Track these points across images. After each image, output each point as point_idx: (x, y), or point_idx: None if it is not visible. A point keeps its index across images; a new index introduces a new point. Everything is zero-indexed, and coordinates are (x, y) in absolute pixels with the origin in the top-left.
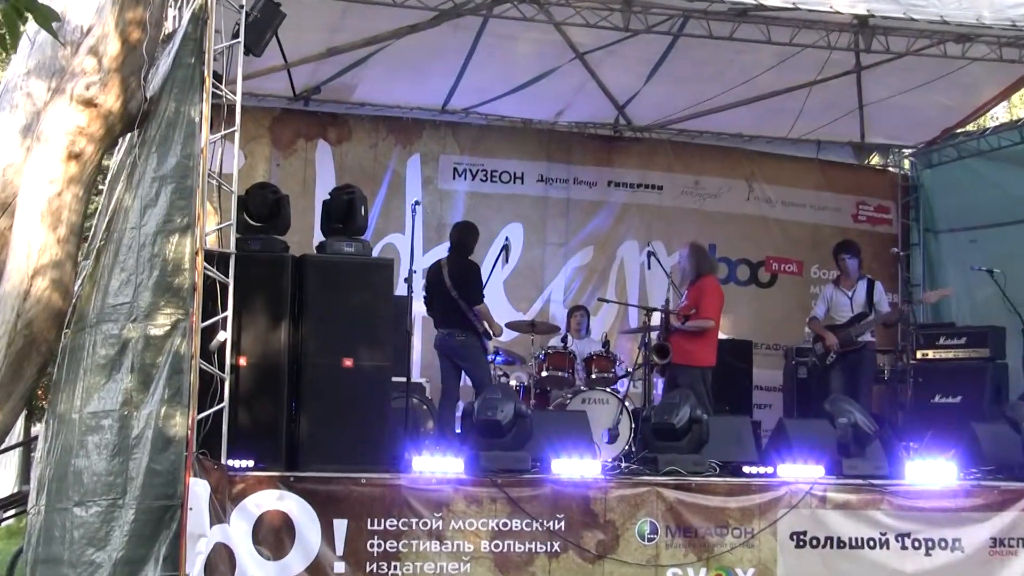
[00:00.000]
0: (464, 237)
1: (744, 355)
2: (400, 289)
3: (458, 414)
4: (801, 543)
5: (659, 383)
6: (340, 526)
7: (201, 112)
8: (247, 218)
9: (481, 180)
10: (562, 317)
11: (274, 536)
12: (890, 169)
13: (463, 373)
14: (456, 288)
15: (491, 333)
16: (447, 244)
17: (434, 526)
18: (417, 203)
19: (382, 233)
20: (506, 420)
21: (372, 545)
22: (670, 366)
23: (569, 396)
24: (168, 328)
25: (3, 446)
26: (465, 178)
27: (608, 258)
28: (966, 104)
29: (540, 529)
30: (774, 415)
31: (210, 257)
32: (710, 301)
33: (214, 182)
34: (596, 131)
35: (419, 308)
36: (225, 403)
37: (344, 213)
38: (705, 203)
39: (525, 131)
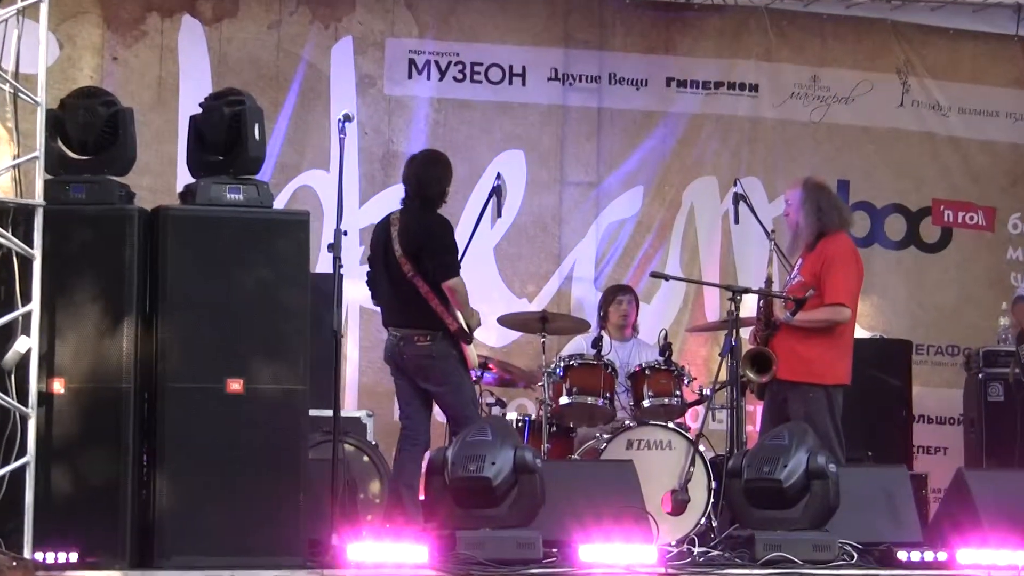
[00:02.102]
0: (427, 177)
1: (898, 365)
2: (322, 263)
3: (423, 469)
4: None
5: (756, 413)
6: None
7: None
8: (64, 147)
9: (455, 80)
10: (593, 306)
11: None
12: None
13: (432, 401)
14: (413, 260)
15: (467, 329)
16: (400, 188)
17: None
18: (348, 119)
19: (291, 170)
20: (500, 478)
21: None
22: (774, 385)
23: (607, 437)
24: None
25: None
26: (429, 77)
27: (668, 207)
28: None
29: None
30: (949, 463)
31: (2, 213)
32: (840, 276)
33: (5, 87)
34: None
35: (355, 294)
36: (29, 456)
37: (226, 137)
38: (830, 113)
39: None
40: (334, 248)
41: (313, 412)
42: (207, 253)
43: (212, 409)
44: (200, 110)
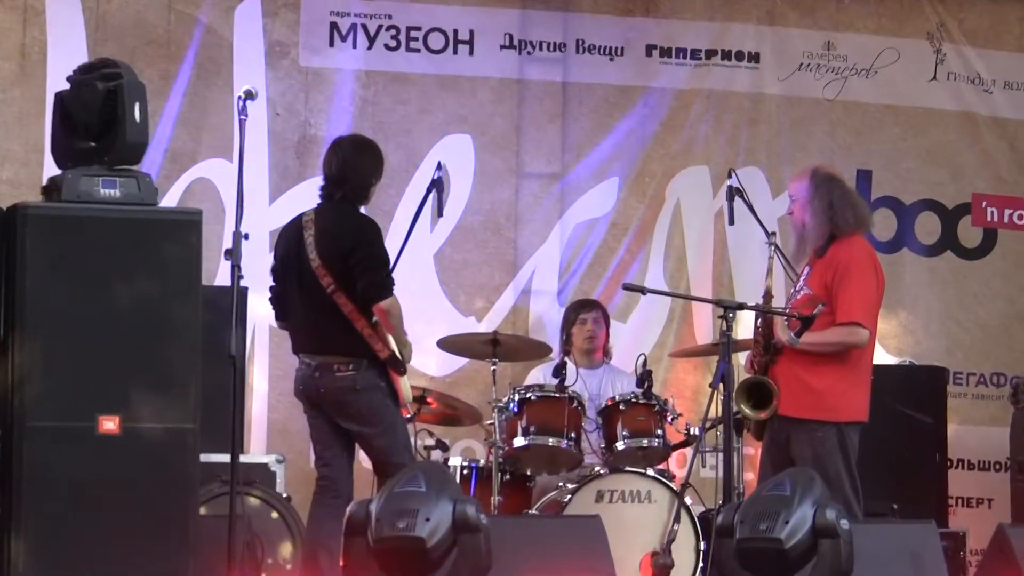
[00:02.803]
0: (351, 167)
1: (930, 398)
2: (220, 273)
3: (344, 526)
4: None
5: (757, 457)
6: None
7: None
8: None
9: (388, 48)
10: (554, 325)
11: None
12: None
13: (354, 444)
14: (333, 271)
15: (400, 358)
16: (318, 182)
17: None
18: (250, 96)
19: (186, 159)
20: (436, 539)
21: None
22: (775, 423)
23: (572, 487)
24: None
25: None
26: (355, 44)
27: (649, 204)
28: None
29: None
30: (992, 518)
31: None
32: (856, 288)
33: None
34: None
35: (263, 310)
36: None
37: (99, 119)
38: (847, 88)
39: None
40: (232, 255)
41: (207, 457)
42: (75, 261)
43: (81, 453)
44: (68, 85)
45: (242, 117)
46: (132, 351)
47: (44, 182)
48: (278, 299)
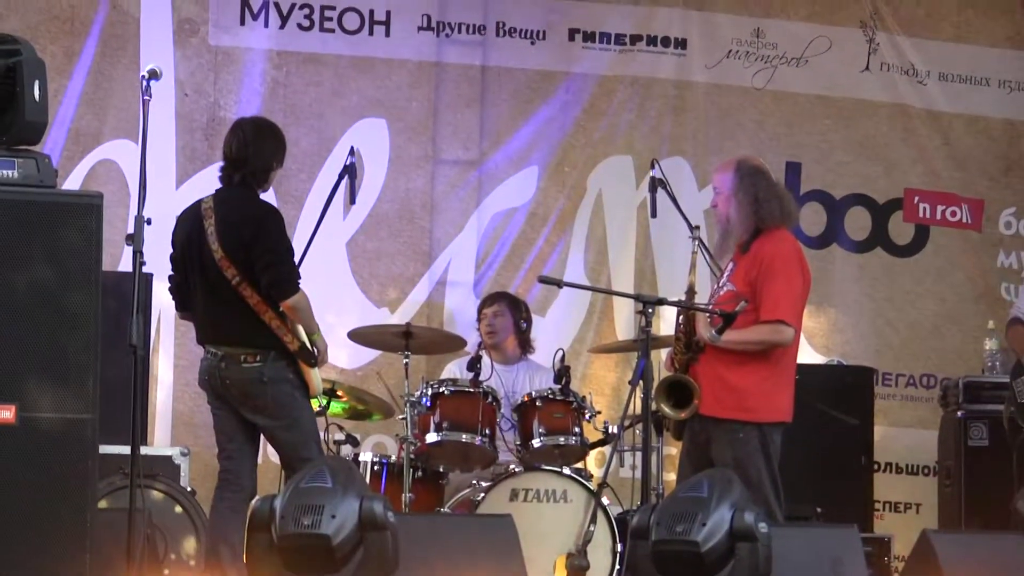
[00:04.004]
0: (252, 150)
1: (857, 399)
2: (124, 259)
3: (247, 521)
4: None
5: (676, 457)
6: None
7: None
8: None
9: (301, 28)
10: (470, 317)
11: None
12: None
13: (259, 437)
14: (236, 262)
15: (314, 351)
16: (221, 166)
17: None
18: (155, 75)
19: (89, 140)
20: (342, 536)
21: None
22: (695, 422)
23: (485, 485)
24: None
25: None
26: (267, 23)
27: (570, 194)
28: None
29: None
30: (920, 523)
31: None
32: (780, 285)
33: None
34: None
35: (166, 299)
36: None
37: None
38: (777, 77)
39: None
40: (134, 240)
41: (107, 448)
42: None
43: None
44: None
45: (146, 98)
46: (29, 339)
47: None
48: (178, 288)
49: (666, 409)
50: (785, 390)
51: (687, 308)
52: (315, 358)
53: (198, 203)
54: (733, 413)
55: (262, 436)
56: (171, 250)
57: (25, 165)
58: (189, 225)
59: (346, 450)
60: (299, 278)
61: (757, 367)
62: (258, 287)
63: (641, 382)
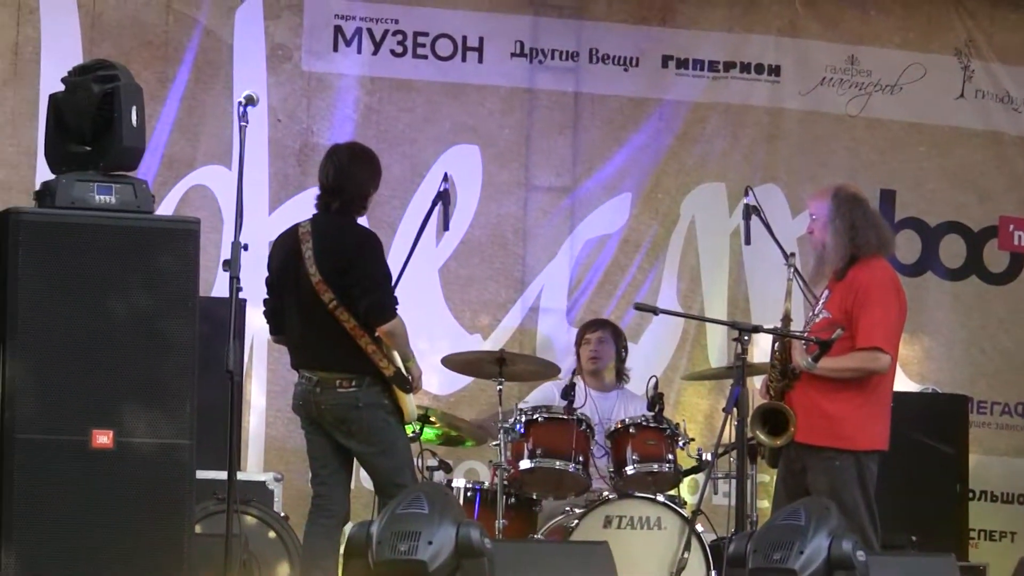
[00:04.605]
0: (347, 177)
1: (952, 427)
2: (218, 284)
3: (343, 547)
4: None
5: (769, 484)
6: None
7: None
8: None
9: (393, 54)
10: (565, 345)
11: None
12: None
13: (353, 463)
14: (333, 287)
15: (408, 378)
16: (316, 192)
17: None
18: (251, 102)
19: (182, 165)
20: (438, 562)
21: None
22: (791, 450)
23: (579, 511)
24: None
25: None
26: (360, 49)
27: (663, 221)
28: None
29: None
30: (1016, 552)
31: None
32: (877, 313)
33: None
34: None
35: (259, 324)
36: None
37: (94, 123)
38: (871, 105)
39: None
40: (231, 266)
41: (201, 474)
42: (69, 270)
43: (73, 468)
44: (63, 87)
45: (243, 123)
46: (127, 364)
47: (37, 186)
48: (273, 313)
49: (762, 437)
50: (881, 418)
51: (783, 336)
52: (410, 384)
53: (295, 227)
54: (829, 441)
55: (355, 461)
56: (266, 274)
57: (122, 191)
58: (285, 249)
59: (438, 476)
60: (396, 304)
61: (853, 395)
62: (355, 312)
63: (736, 410)
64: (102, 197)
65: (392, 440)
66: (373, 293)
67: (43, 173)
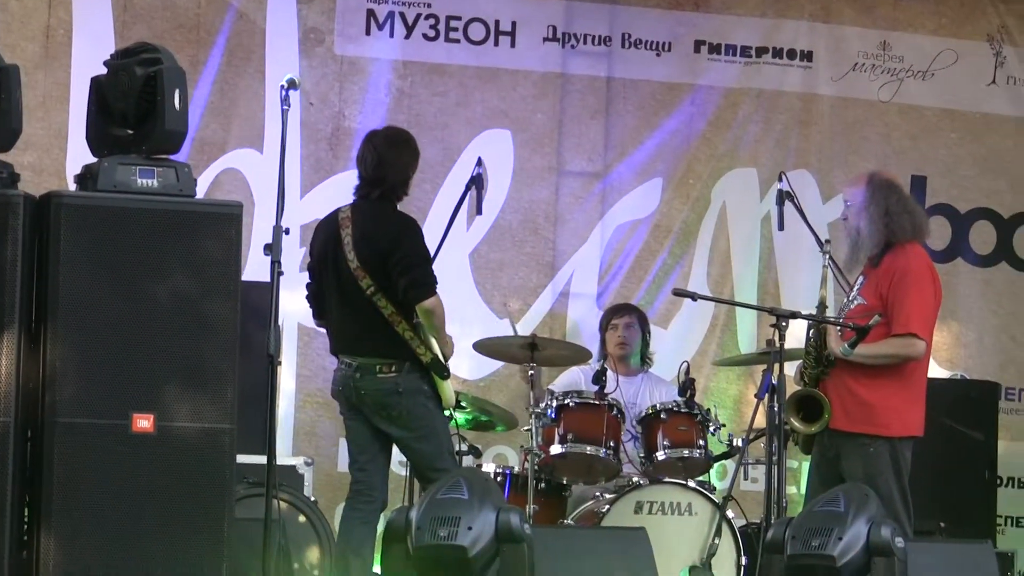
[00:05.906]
0: (388, 165)
1: (982, 413)
2: (256, 268)
3: (379, 534)
4: None
5: (802, 471)
6: None
7: None
8: None
9: (426, 38)
10: (593, 329)
11: None
12: None
13: (391, 448)
14: (372, 273)
15: (445, 364)
16: (351, 175)
17: None
18: (293, 85)
19: (214, 149)
20: (479, 548)
21: None
22: (825, 437)
23: (609, 497)
24: None
25: None
26: (392, 33)
27: (694, 206)
28: None
29: None
30: None
31: None
32: (913, 299)
33: None
34: None
35: (291, 307)
36: None
37: (138, 106)
38: (903, 90)
39: None
40: (272, 250)
41: (243, 459)
42: (110, 253)
43: (113, 452)
44: (105, 70)
45: (285, 107)
46: (168, 348)
47: (69, 168)
48: (315, 297)
49: (796, 424)
50: (916, 404)
51: (820, 322)
52: (447, 370)
53: (335, 212)
54: (864, 427)
55: (394, 447)
56: (309, 259)
57: (165, 174)
58: (326, 234)
59: (468, 461)
60: (436, 282)
61: (888, 381)
62: (393, 298)
63: (769, 395)
64: (144, 180)
65: (432, 425)
66: (414, 270)
67: (74, 156)
